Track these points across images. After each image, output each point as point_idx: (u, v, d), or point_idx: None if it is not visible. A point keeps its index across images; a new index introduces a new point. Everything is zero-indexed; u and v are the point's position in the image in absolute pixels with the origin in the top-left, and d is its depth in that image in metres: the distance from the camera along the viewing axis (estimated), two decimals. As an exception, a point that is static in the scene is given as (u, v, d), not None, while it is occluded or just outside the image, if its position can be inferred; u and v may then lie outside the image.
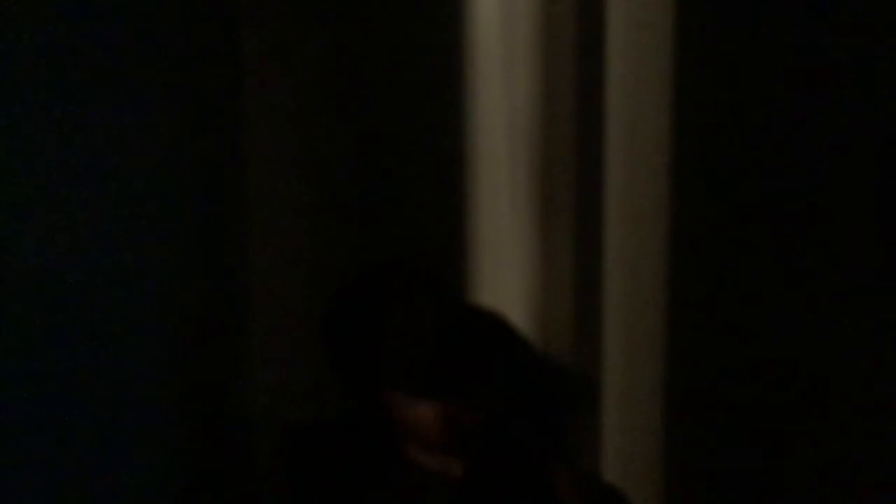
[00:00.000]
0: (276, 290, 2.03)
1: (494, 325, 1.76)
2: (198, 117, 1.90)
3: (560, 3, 2.03)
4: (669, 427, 2.07)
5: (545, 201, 2.06)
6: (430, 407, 1.60)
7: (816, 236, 1.93)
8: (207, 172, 1.93)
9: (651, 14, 2.00)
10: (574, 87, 2.05)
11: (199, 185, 1.91)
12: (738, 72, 1.97)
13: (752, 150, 1.98)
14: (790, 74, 1.92)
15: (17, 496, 1.59)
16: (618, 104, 2.03)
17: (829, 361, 1.93)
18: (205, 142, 1.92)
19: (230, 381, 2.00)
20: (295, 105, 2.02)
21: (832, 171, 1.89)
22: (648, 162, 2.03)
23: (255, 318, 2.02)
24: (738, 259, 2.01)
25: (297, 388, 2.01)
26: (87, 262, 1.69)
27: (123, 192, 1.74)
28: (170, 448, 1.85)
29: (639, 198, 2.04)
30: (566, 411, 1.71)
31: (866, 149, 1.85)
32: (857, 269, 1.89)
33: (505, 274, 2.08)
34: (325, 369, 1.71)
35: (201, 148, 1.91)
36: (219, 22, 1.94)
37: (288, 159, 2.03)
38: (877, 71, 1.82)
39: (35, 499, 1.62)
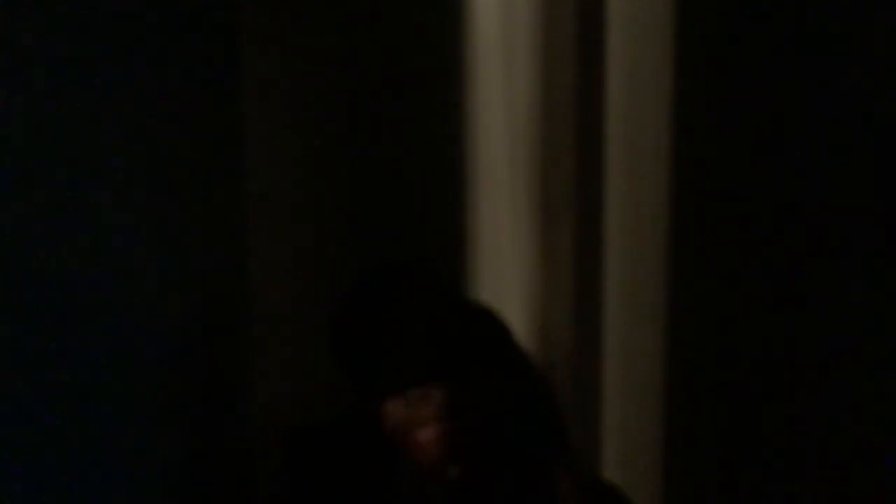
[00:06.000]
0: (276, 291, 2.03)
1: (492, 325, 1.76)
2: (198, 117, 1.90)
3: (560, 3, 2.03)
4: (669, 427, 2.07)
5: (545, 201, 2.07)
6: (423, 407, 1.60)
7: (817, 235, 1.93)
8: (207, 172, 1.93)
9: (651, 14, 2.00)
10: (574, 87, 2.05)
11: (198, 184, 1.90)
12: (739, 71, 1.97)
13: (752, 149, 1.98)
14: (790, 74, 1.93)
15: (16, 495, 1.59)
16: (618, 104, 2.03)
17: (830, 361, 1.93)
18: (205, 141, 1.92)
19: (230, 381, 2.00)
20: (295, 105, 2.02)
21: (833, 170, 1.90)
22: (648, 162, 2.04)
23: (255, 318, 2.02)
24: (738, 259, 2.01)
25: (297, 389, 2.01)
26: (86, 261, 1.69)
27: (122, 192, 1.74)
28: (169, 448, 1.85)
29: (639, 198, 2.04)
30: (565, 416, 1.72)
31: (867, 148, 1.85)
32: (858, 268, 1.89)
33: (505, 274, 2.08)
34: (327, 370, 1.71)
35: (201, 148, 1.91)
36: (219, 21, 1.94)
37: (288, 159, 2.03)
38: (877, 70, 1.83)
39: (34, 498, 1.62)
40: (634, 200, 2.04)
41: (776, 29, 1.93)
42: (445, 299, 1.69)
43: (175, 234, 1.85)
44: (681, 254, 2.03)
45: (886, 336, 1.89)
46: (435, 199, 2.08)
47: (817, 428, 1.96)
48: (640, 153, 2.04)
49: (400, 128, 2.06)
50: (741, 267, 2.01)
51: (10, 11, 1.54)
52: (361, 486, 1.70)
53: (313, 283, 2.02)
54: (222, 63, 1.96)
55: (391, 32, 2.04)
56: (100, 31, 1.69)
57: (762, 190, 1.98)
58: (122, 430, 1.76)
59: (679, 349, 2.06)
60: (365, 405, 1.66)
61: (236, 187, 1.98)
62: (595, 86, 2.03)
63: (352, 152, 2.06)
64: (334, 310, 1.70)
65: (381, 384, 1.62)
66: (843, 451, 1.94)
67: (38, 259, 1.60)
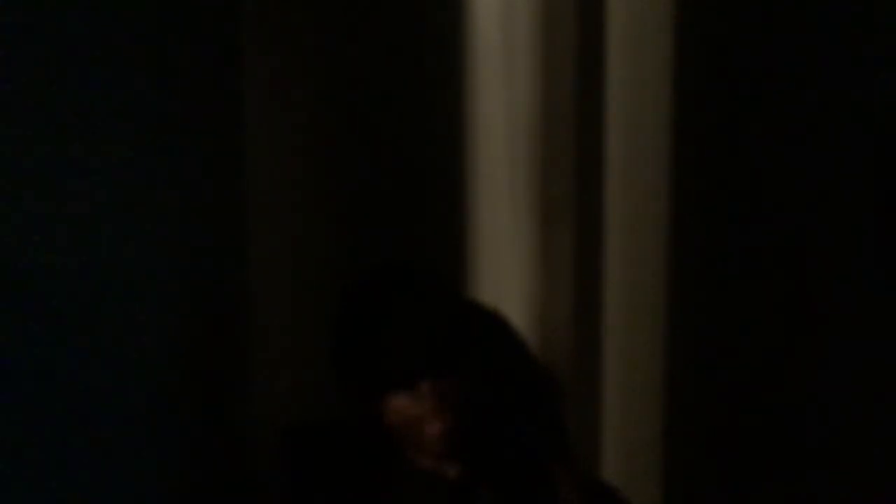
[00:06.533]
0: (276, 291, 2.03)
1: (492, 324, 1.76)
2: (198, 117, 1.90)
3: (560, 3, 2.03)
4: (669, 427, 2.07)
5: (545, 201, 2.06)
6: (420, 402, 1.60)
7: (816, 235, 1.93)
8: (207, 172, 1.93)
9: (651, 14, 2.00)
10: (574, 87, 2.05)
11: (199, 184, 1.90)
12: (738, 72, 1.97)
13: (752, 150, 1.98)
14: (790, 74, 1.92)
15: (16, 496, 1.59)
16: (618, 104, 2.03)
17: (830, 361, 1.93)
18: (205, 142, 1.92)
19: (230, 380, 2.00)
20: (295, 104, 2.02)
21: (832, 170, 1.89)
22: (648, 162, 2.03)
23: (255, 318, 2.02)
24: (738, 259, 2.01)
25: (297, 388, 2.01)
26: (87, 261, 1.69)
27: (122, 191, 1.74)
28: (169, 448, 1.85)
29: (639, 198, 2.04)
30: (562, 409, 1.72)
31: (867, 149, 1.85)
32: (857, 268, 1.89)
33: (505, 274, 2.08)
34: (326, 370, 1.71)
35: (201, 148, 1.91)
36: (219, 21, 1.94)
37: (288, 159, 2.03)
38: (877, 70, 1.83)
39: (34, 498, 1.62)
40: (634, 200, 2.04)
41: (776, 29, 1.93)
42: (447, 297, 1.70)
43: (174, 235, 1.85)
44: (681, 254, 2.03)
45: (886, 335, 1.89)
46: (435, 200, 2.08)
47: (817, 427, 1.96)
48: (640, 153, 2.04)
49: (400, 128, 2.06)
50: (741, 267, 2.01)
51: (10, 12, 1.54)
52: (361, 486, 1.70)
53: (313, 283, 2.02)
54: (222, 63, 1.96)
55: (391, 33, 2.04)
56: (100, 30, 1.69)
57: (762, 190, 1.97)
58: (122, 431, 1.76)
59: (679, 349, 2.06)
60: (365, 404, 1.66)
61: (236, 188, 1.98)
62: (595, 86, 2.03)
63: (351, 152, 2.06)
64: (336, 309, 1.69)
65: (389, 379, 1.62)
66: (842, 451, 1.93)
67: (37, 260, 1.60)
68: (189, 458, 1.88)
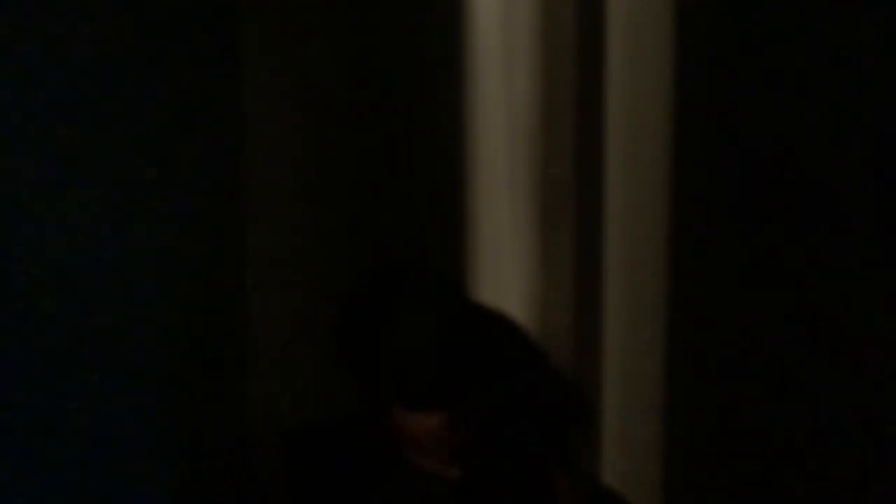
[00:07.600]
0: (276, 290, 2.03)
1: (498, 331, 1.74)
2: (198, 117, 1.90)
3: (560, 3, 2.03)
4: (669, 427, 2.07)
5: (545, 201, 2.07)
6: (428, 419, 1.59)
7: (816, 236, 1.93)
8: (207, 172, 1.93)
9: (651, 14, 2.00)
10: (574, 87, 2.05)
11: (198, 184, 1.91)
12: (738, 71, 1.97)
13: (751, 149, 1.97)
14: (790, 74, 1.92)
15: (16, 496, 1.59)
16: (618, 104, 2.03)
17: (831, 361, 1.92)
18: (205, 141, 1.92)
19: (230, 381, 2.00)
20: (295, 105, 2.02)
21: (832, 170, 1.89)
22: (648, 162, 2.03)
23: (255, 317, 2.02)
24: (739, 259, 2.01)
25: (297, 388, 2.01)
26: (87, 261, 1.69)
27: (123, 191, 1.75)
28: (169, 448, 1.86)
29: (639, 197, 2.04)
30: (567, 420, 1.71)
31: (867, 149, 1.84)
32: (857, 269, 1.89)
33: (505, 274, 2.08)
34: (328, 370, 1.71)
35: (201, 148, 1.91)
36: (219, 22, 1.95)
37: (288, 160, 2.03)
38: (877, 70, 1.82)
39: (34, 498, 1.62)
40: (634, 200, 2.04)
41: (775, 28, 1.93)
42: (452, 306, 1.65)
43: (174, 235, 1.85)
44: (681, 254, 2.03)
45: (887, 336, 1.89)
46: (435, 200, 2.08)
47: (817, 428, 1.96)
48: (640, 153, 2.03)
49: (400, 128, 2.06)
50: (741, 267, 2.00)
51: (12, 13, 1.54)
52: (360, 487, 1.70)
53: (312, 284, 2.02)
54: (222, 63, 1.96)
55: (391, 33, 2.04)
56: (101, 31, 1.70)
57: (762, 189, 1.97)
58: (121, 431, 1.76)
59: (679, 349, 2.06)
60: (372, 408, 1.65)
61: (236, 188, 1.99)
62: (595, 86, 2.03)
63: (352, 152, 2.06)
64: (340, 314, 1.67)
65: (392, 397, 1.60)
66: (842, 451, 1.93)
67: (38, 259, 1.61)
68: (188, 459, 1.89)
